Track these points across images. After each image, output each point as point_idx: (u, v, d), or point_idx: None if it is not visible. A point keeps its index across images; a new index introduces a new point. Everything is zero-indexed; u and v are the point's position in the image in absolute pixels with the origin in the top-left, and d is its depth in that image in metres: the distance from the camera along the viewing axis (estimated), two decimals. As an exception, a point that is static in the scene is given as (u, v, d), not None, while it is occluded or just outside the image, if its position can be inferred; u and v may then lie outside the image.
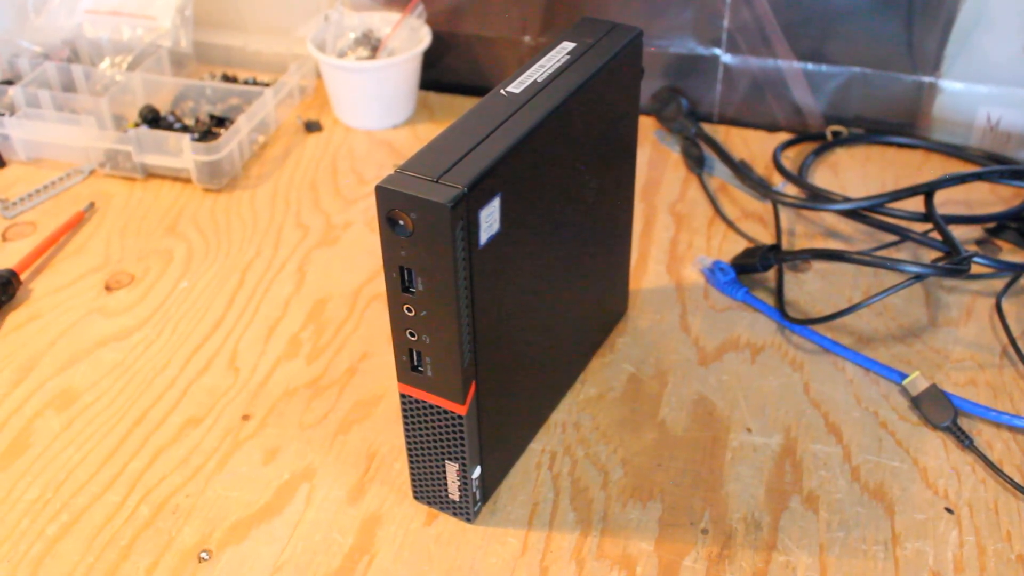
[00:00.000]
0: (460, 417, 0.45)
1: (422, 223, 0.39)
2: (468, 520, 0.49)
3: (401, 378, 0.45)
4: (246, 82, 0.88)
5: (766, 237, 0.71)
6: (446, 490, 0.49)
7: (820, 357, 0.60)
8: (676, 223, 0.72)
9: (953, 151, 0.79)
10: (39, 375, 0.60)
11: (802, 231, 0.71)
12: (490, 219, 0.41)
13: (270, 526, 0.50)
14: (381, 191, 0.39)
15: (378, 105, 0.83)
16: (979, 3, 0.74)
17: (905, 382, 0.57)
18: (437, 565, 0.48)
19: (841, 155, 0.80)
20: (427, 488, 0.50)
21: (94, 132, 0.77)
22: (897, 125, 0.81)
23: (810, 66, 0.81)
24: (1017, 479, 0.51)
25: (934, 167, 0.78)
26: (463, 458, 0.47)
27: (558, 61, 0.48)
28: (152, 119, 0.81)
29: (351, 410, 0.56)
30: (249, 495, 0.51)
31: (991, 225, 0.70)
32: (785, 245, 0.70)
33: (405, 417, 0.47)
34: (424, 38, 0.83)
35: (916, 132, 0.81)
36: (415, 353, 0.44)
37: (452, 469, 0.47)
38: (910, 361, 0.59)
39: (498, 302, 0.45)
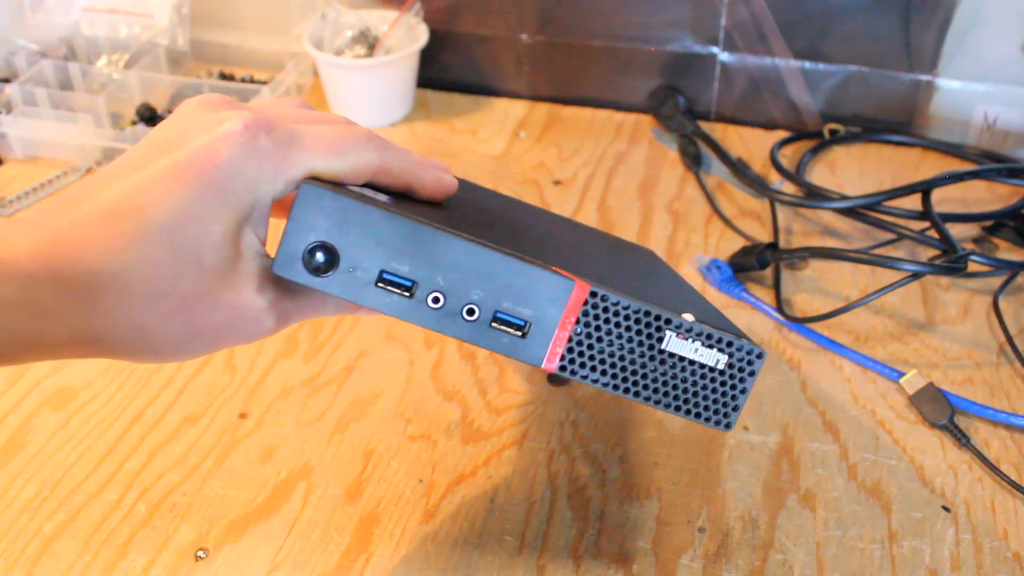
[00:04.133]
0: (595, 292, 0.37)
1: (327, 225, 0.35)
2: (760, 359, 0.39)
3: (542, 361, 0.37)
4: (243, 80, 0.88)
5: (763, 235, 0.71)
6: (705, 369, 0.39)
7: (817, 355, 0.60)
8: (673, 221, 0.72)
9: (950, 149, 0.79)
10: (35, 373, 0.59)
11: (799, 229, 0.71)
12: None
13: (267, 524, 0.50)
14: (281, 266, 0.35)
15: (375, 103, 0.83)
16: (976, 1, 0.74)
17: (902, 380, 0.57)
18: (434, 563, 0.48)
19: (838, 153, 0.80)
20: (694, 397, 0.39)
21: (91, 130, 0.77)
22: (894, 123, 0.81)
23: (807, 64, 0.81)
24: (1014, 477, 0.51)
25: (931, 165, 0.78)
26: (660, 318, 0.38)
27: None
28: (149, 117, 0.81)
29: (348, 408, 0.56)
30: (246, 493, 0.51)
31: (988, 223, 0.70)
32: (782, 243, 0.70)
33: (595, 379, 0.38)
34: (421, 36, 0.83)
35: (913, 130, 0.81)
36: (506, 319, 0.37)
37: (675, 340, 0.38)
38: (907, 359, 0.59)
39: (466, 204, 0.41)
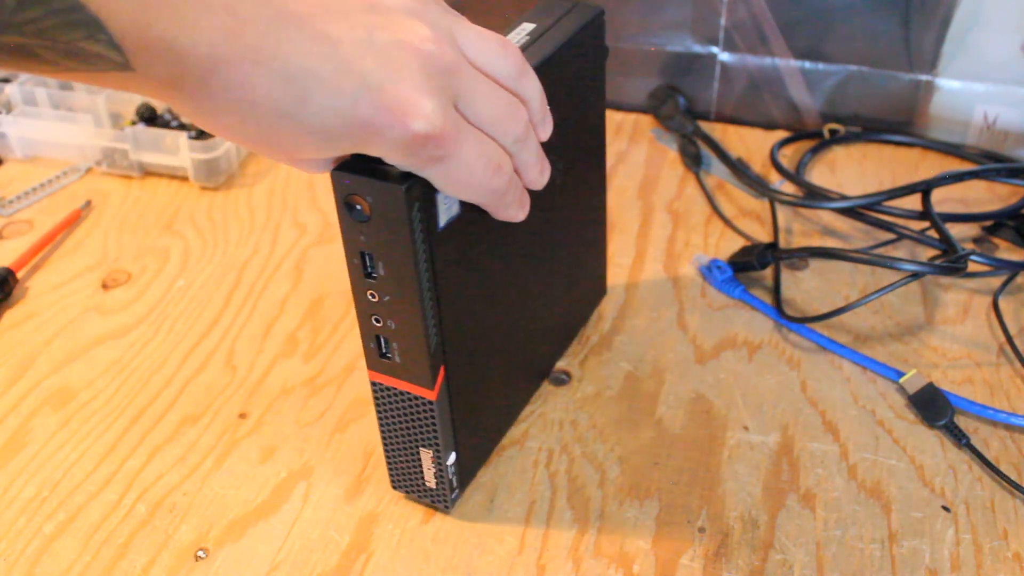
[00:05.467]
0: (431, 403, 0.45)
1: (379, 206, 0.39)
2: (445, 509, 0.50)
3: (370, 365, 0.45)
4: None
5: (763, 235, 0.71)
6: (422, 478, 0.49)
7: (817, 355, 0.60)
8: (673, 221, 0.72)
9: (950, 149, 0.79)
10: (36, 373, 0.59)
11: (799, 229, 0.71)
12: (448, 201, 0.41)
13: (267, 524, 0.50)
14: (337, 176, 0.39)
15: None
16: (976, 1, 0.74)
17: (902, 380, 0.57)
18: (434, 563, 0.48)
19: (838, 153, 0.80)
20: (404, 476, 0.50)
21: (91, 130, 0.77)
22: (894, 123, 0.81)
23: (807, 64, 0.81)
24: (1014, 477, 0.51)
25: (931, 165, 0.78)
26: (436, 444, 0.47)
27: (518, 42, 0.48)
28: (149, 117, 0.81)
29: (348, 408, 0.56)
30: (246, 493, 0.51)
31: (988, 223, 0.70)
32: (782, 243, 0.70)
33: (377, 405, 0.47)
34: (421, 36, 0.83)
35: (913, 130, 0.81)
36: (382, 340, 0.44)
37: (427, 456, 0.48)
38: (907, 359, 0.59)
39: (462, 285, 0.45)
